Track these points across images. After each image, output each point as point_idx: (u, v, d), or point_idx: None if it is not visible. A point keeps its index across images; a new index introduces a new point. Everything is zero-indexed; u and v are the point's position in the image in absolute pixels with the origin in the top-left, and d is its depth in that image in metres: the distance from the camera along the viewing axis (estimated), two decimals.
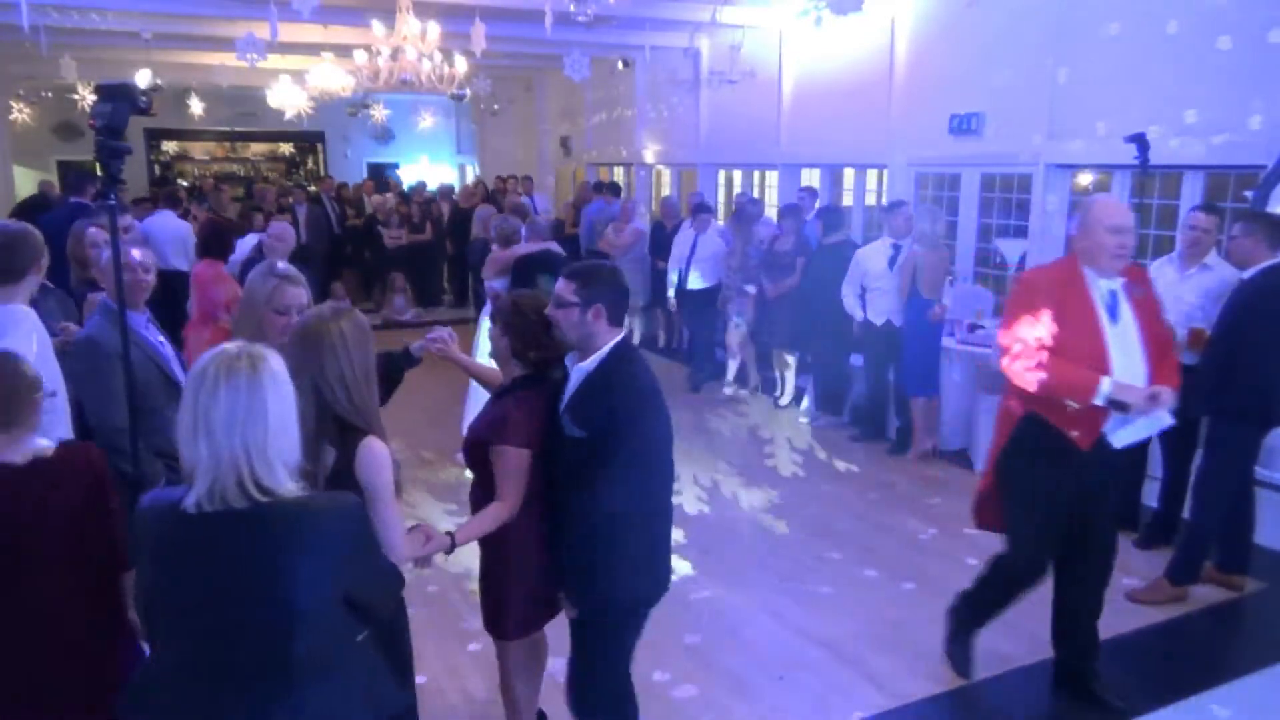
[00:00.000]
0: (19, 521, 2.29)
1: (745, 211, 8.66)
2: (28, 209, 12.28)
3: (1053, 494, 3.45)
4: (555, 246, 6.93)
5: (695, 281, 8.53)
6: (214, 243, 6.22)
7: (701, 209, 8.86)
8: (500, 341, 2.90)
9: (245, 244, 7.32)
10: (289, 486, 1.89)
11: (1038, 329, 3.28)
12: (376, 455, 2.34)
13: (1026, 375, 3.29)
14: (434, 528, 2.70)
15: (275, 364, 1.91)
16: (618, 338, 2.72)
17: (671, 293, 9.01)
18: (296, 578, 1.86)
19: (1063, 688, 3.74)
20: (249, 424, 1.83)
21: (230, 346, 1.91)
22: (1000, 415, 3.65)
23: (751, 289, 7.97)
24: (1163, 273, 4.92)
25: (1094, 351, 3.27)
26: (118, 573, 2.48)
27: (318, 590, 1.89)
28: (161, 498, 1.96)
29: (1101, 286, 3.34)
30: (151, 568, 1.96)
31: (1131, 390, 3.23)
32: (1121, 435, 3.36)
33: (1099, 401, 3.23)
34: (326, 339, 2.35)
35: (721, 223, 9.43)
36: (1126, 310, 3.36)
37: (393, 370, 3.05)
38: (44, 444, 2.39)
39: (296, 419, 1.93)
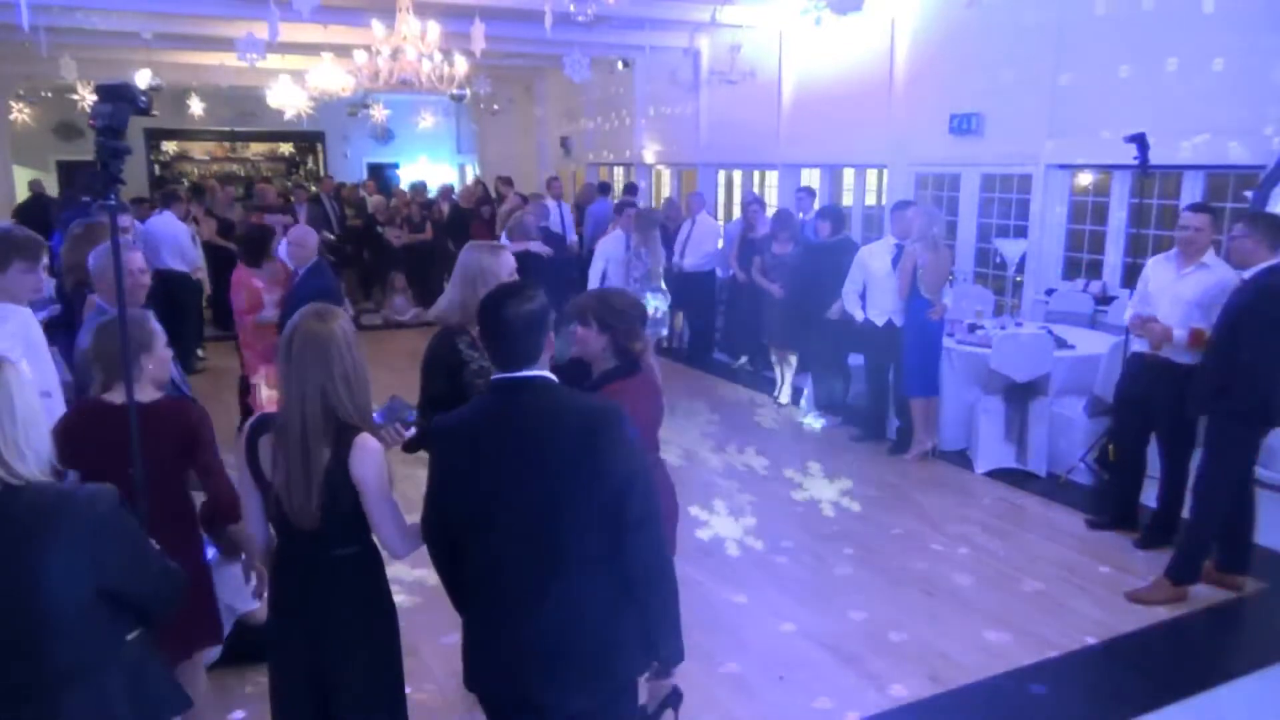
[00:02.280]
0: (109, 445, 2.65)
1: (648, 215, 7.94)
2: (28, 210, 12.33)
3: None
4: (536, 247, 6.89)
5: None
6: (247, 248, 6.15)
7: (628, 205, 8.23)
8: (597, 339, 2.96)
9: None
10: (42, 478, 1.90)
11: None
12: (370, 451, 2.34)
13: None
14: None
15: (9, 374, 1.91)
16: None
17: None
18: (48, 573, 1.83)
19: None
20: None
21: None
22: None
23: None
24: (1160, 270, 4.92)
25: None
26: (205, 524, 2.99)
27: (72, 588, 1.86)
28: None
29: None
30: None
31: None
32: None
33: None
34: (333, 341, 2.35)
35: (724, 222, 9.38)
36: None
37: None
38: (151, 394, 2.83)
39: (43, 415, 1.98)
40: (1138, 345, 4.97)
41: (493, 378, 2.28)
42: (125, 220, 5.61)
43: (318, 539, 2.36)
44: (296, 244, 5.73)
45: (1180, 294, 4.73)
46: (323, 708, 2.45)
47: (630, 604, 2.26)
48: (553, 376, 2.29)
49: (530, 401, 2.23)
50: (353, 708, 2.44)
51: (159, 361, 2.87)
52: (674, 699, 3.37)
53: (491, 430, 2.21)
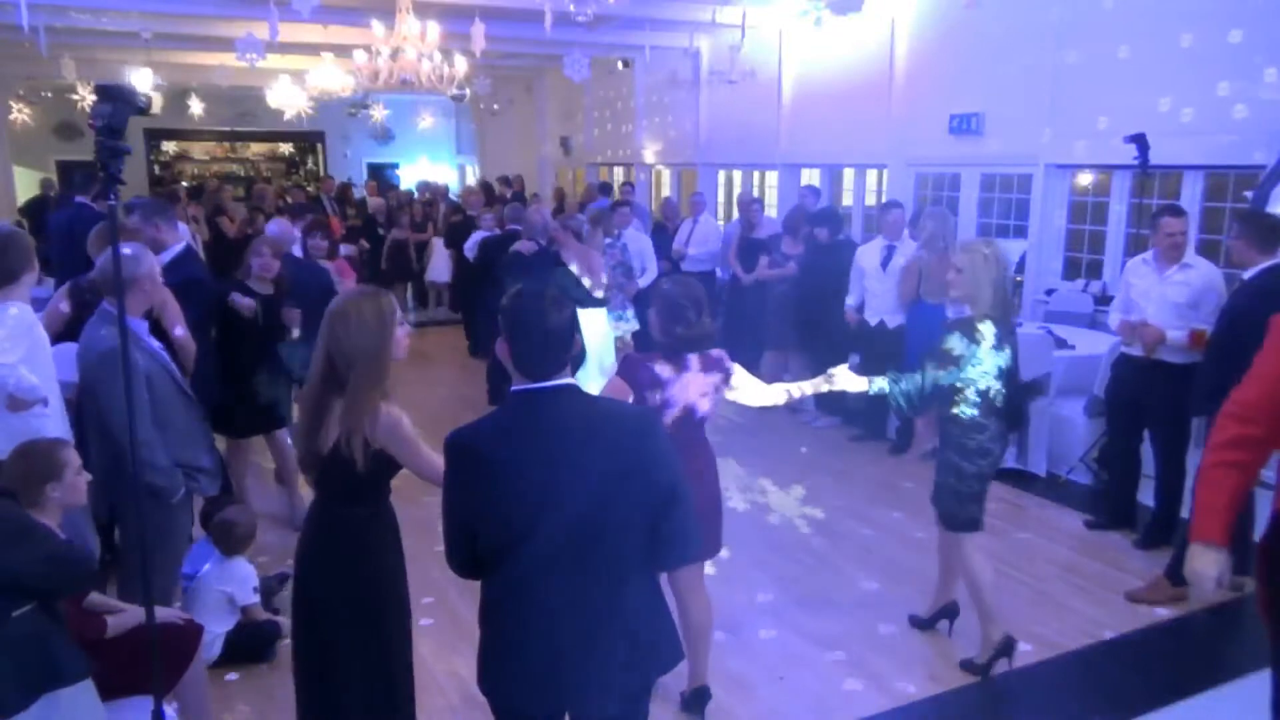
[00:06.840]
0: None
1: (597, 213, 7.60)
2: (33, 208, 12.35)
3: None
4: (523, 245, 6.78)
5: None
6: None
7: (623, 203, 8.03)
8: (654, 320, 3.32)
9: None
10: None
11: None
12: (388, 415, 2.51)
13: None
14: None
15: None
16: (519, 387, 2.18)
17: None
18: None
19: None
20: None
21: None
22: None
23: None
24: (1139, 274, 4.94)
25: None
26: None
27: None
28: None
29: None
30: None
31: None
32: None
33: None
34: (351, 315, 2.53)
35: (723, 222, 9.33)
36: None
37: None
38: None
39: None
40: (1129, 348, 4.97)
41: (517, 387, 2.15)
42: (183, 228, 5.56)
43: None
44: (271, 253, 5.07)
45: (1168, 296, 4.75)
46: None
47: (663, 606, 2.31)
48: (579, 384, 2.22)
49: (564, 410, 2.13)
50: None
51: (66, 488, 2.80)
52: (702, 696, 3.54)
53: (526, 442, 2.09)
